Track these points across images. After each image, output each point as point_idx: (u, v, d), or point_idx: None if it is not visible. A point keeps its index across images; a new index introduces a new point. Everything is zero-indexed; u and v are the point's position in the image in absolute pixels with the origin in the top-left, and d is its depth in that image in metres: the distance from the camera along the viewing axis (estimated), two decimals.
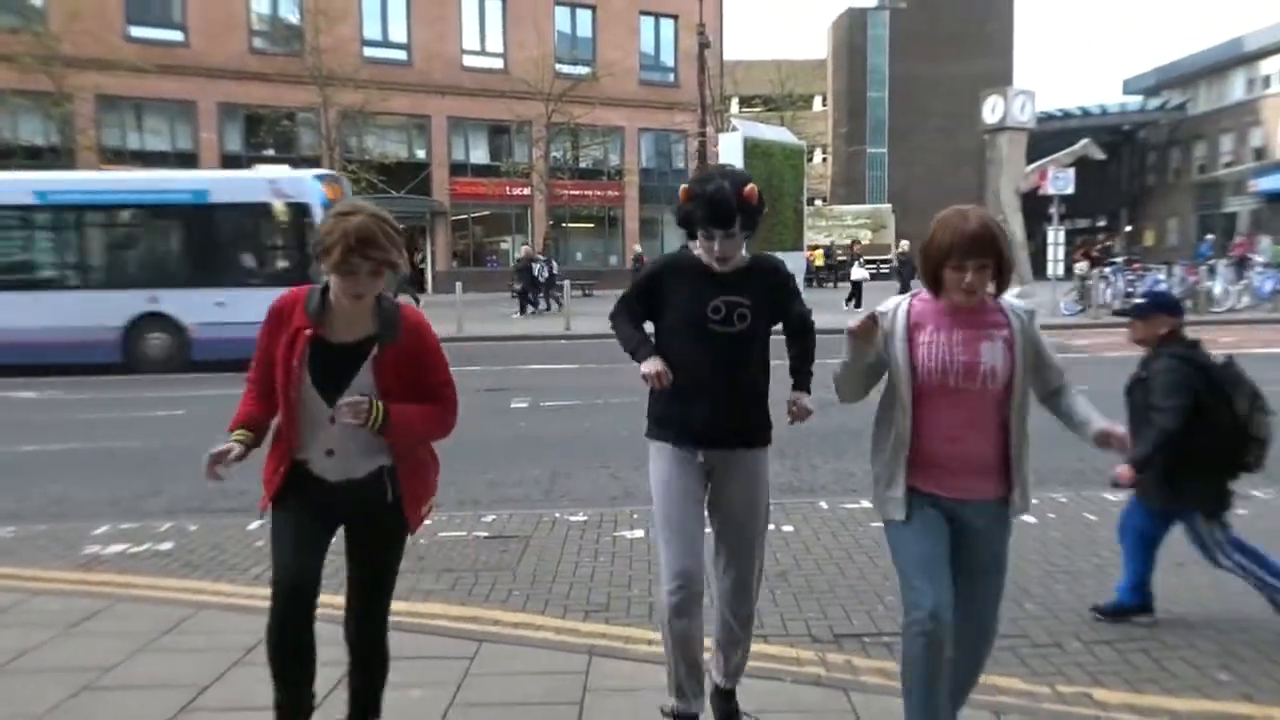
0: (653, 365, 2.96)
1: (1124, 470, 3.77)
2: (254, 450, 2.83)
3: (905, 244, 25.15)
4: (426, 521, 3.01)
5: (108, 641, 4.19)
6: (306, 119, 32.27)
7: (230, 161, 33.48)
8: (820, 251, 41.49)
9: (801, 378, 3.19)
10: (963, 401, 2.79)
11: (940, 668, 2.74)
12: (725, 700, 3.28)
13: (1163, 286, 23.19)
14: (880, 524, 5.75)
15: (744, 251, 3.06)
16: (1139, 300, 4.51)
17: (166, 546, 5.72)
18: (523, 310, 24.83)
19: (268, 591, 4.78)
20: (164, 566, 5.39)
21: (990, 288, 2.79)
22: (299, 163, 32.63)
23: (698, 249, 3.03)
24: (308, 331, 2.73)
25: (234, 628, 4.29)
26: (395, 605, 4.59)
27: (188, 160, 32.99)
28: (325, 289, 2.76)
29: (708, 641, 3.25)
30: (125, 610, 4.61)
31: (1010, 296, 2.92)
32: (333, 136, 30.77)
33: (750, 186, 2.92)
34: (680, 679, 3.08)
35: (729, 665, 3.25)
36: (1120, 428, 2.84)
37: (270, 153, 33.57)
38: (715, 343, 2.95)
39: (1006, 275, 2.79)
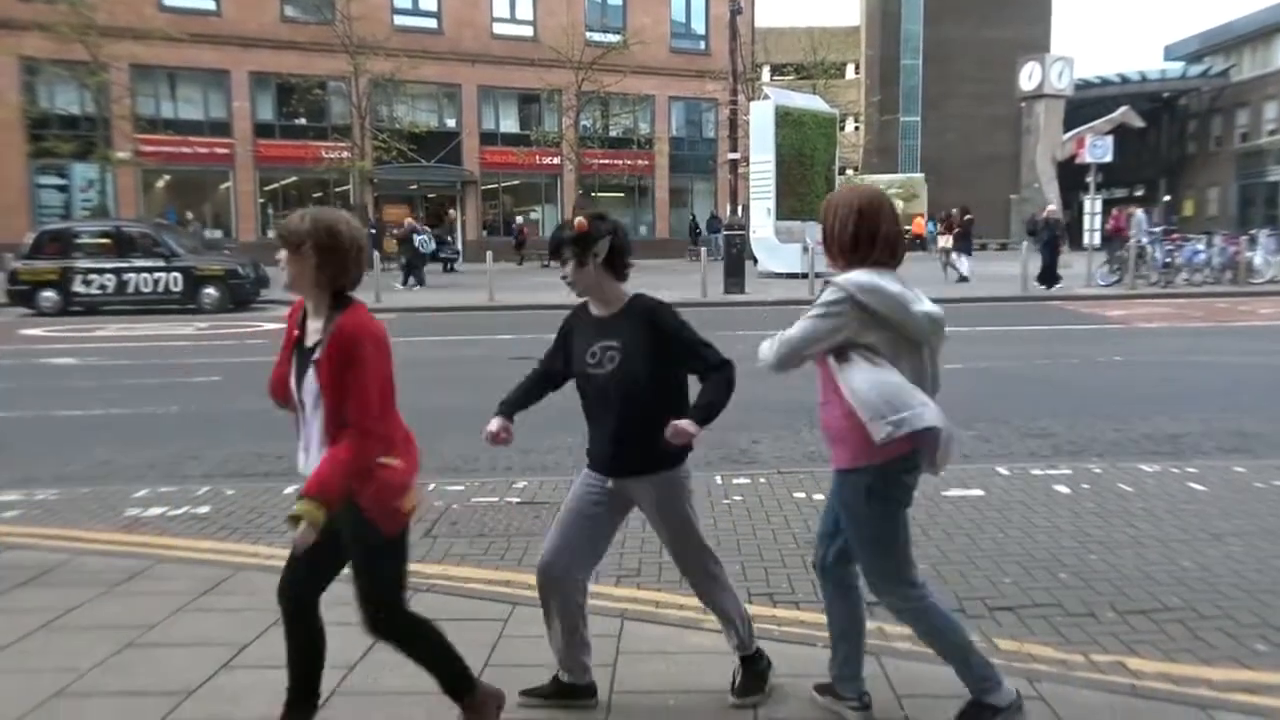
0: (490, 425, 3.25)
1: None
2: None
3: (1052, 207, 24.24)
4: (414, 518, 2.95)
5: (150, 600, 4.27)
6: (337, 88, 32.32)
7: (263, 130, 33.70)
8: None
9: (698, 411, 3.08)
10: None
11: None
12: (751, 663, 3.36)
13: (1202, 257, 22.80)
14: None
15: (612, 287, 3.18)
16: None
17: (204, 510, 5.82)
18: (405, 282, 23.56)
19: None
20: (202, 529, 5.48)
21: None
22: (331, 132, 32.88)
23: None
24: (295, 333, 2.92)
25: (271, 588, 4.33)
26: (430, 569, 4.70)
27: (221, 129, 33.22)
28: None
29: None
30: (166, 570, 4.70)
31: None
32: (363, 105, 30.80)
33: (579, 220, 3.11)
34: (559, 651, 3.30)
35: (731, 634, 3.35)
36: None
37: (302, 121, 33.72)
38: (593, 384, 3.17)
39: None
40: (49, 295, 19.06)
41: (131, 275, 19.20)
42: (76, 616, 4.12)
